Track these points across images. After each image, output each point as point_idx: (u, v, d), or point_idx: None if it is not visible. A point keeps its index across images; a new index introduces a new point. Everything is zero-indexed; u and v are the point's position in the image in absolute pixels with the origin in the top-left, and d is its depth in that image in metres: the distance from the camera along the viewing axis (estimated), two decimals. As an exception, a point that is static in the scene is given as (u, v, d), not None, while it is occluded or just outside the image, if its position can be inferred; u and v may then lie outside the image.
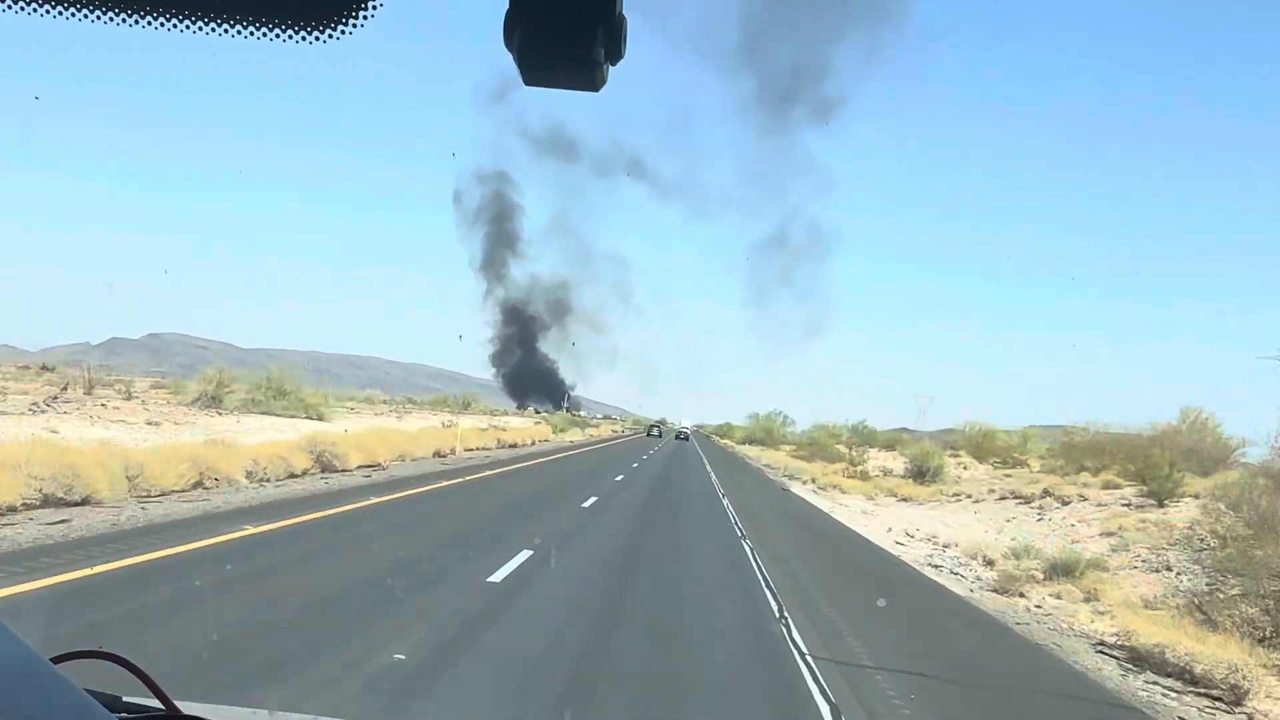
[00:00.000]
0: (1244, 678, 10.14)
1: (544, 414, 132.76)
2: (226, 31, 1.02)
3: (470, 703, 7.13)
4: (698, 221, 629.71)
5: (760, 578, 14.71)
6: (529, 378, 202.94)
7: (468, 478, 28.49)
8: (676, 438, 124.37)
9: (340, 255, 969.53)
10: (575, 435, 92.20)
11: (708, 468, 53.71)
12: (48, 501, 13.41)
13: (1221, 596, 14.33)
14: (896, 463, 55.88)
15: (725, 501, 29.79)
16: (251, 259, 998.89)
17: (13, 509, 12.70)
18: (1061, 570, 17.94)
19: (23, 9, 1.00)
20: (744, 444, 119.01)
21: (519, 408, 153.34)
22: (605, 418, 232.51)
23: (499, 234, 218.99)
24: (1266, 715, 10.00)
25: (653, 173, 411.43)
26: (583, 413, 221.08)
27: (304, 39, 1.01)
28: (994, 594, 16.65)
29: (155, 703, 1.57)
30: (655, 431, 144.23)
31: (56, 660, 1.34)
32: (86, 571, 9.62)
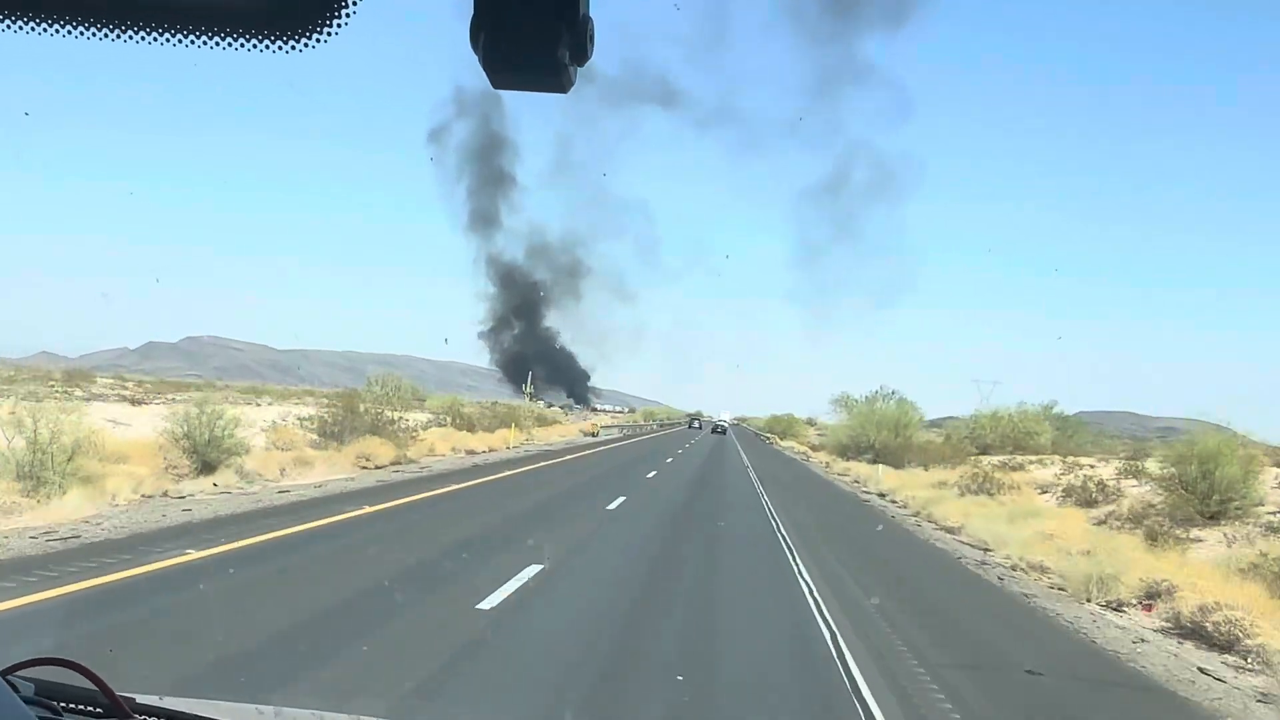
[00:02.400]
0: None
1: (559, 407, 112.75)
2: (207, 44, 1.01)
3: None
4: (740, 161, 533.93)
5: None
6: (532, 361, 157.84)
7: None
8: (713, 431, 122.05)
9: (376, 256, 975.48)
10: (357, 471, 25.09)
11: None
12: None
13: None
14: None
15: None
16: (288, 261, 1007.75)
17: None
18: None
19: (20, 26, 1.01)
20: (854, 460, 50.32)
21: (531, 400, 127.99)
22: (628, 410, 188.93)
23: (488, 175, 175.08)
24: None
25: (684, 99, 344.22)
26: (603, 405, 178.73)
27: (291, 47, 1.00)
28: None
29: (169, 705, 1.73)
30: (695, 424, 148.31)
31: (10, 670, 1.48)
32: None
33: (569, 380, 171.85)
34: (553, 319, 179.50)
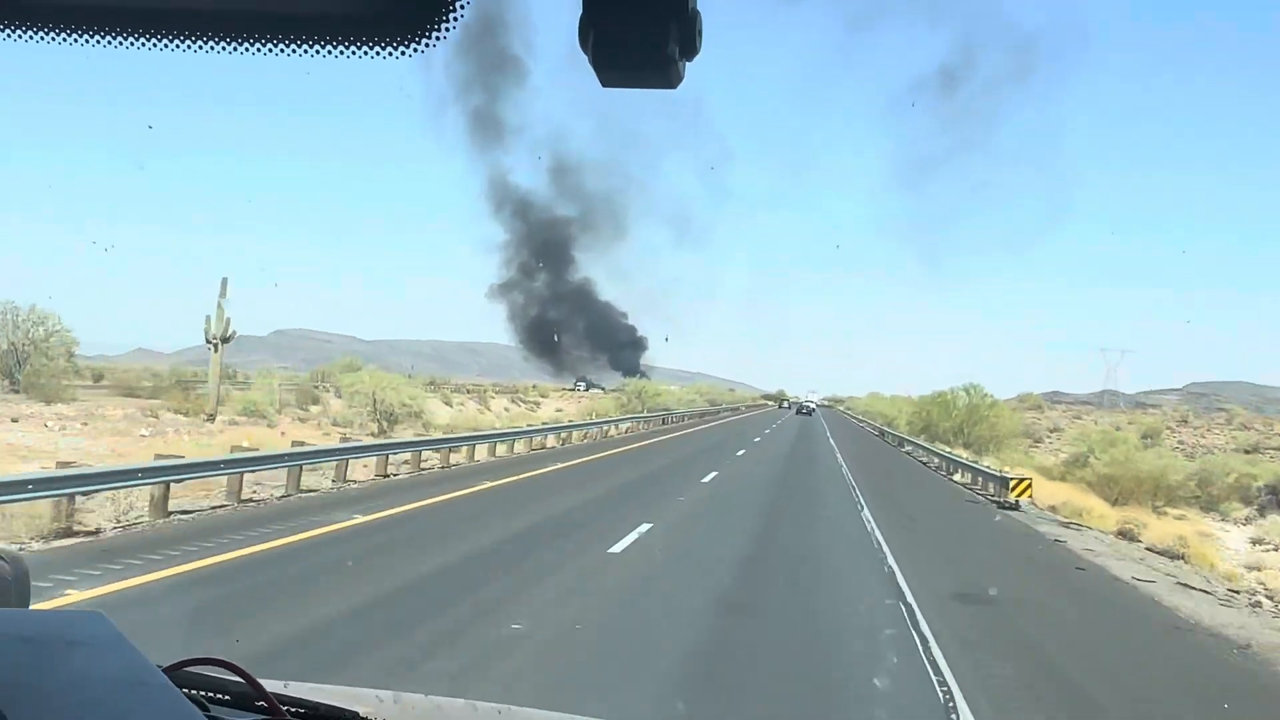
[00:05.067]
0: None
1: (605, 390, 76.84)
2: (310, 51, 1.00)
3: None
4: (840, 48, 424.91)
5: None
6: (562, 327, 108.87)
7: None
8: (798, 412, 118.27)
9: (447, 249, 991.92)
10: None
11: None
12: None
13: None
14: None
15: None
16: (374, 252, 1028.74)
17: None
18: None
19: (103, 41, 1.01)
20: None
21: (572, 387, 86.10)
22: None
23: (489, 59, 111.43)
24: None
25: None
26: (668, 386, 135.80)
27: (401, 52, 1.00)
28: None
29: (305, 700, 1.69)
30: (784, 404, 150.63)
31: (171, 668, 1.45)
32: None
33: (612, 349, 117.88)
34: (590, 269, 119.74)
